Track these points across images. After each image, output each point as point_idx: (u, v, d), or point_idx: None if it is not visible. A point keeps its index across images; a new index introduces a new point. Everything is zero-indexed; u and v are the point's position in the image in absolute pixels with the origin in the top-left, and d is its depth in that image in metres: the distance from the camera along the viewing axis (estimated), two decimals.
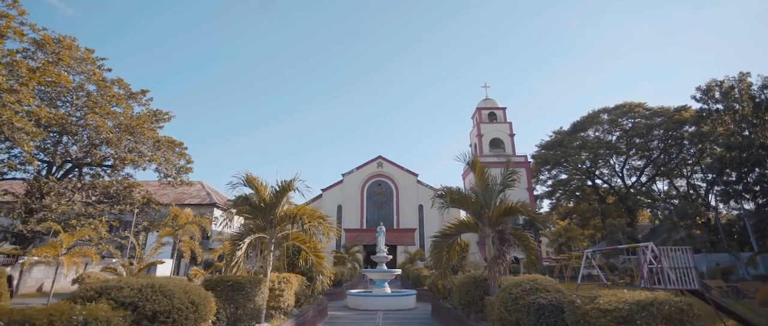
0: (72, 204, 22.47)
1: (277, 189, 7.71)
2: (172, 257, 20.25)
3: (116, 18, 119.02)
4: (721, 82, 28.32)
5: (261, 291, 6.56)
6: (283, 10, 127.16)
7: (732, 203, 29.87)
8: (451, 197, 7.80)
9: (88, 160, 25.10)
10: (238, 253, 6.63)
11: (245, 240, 6.93)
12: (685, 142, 38.66)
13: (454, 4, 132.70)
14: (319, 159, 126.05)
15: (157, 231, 18.63)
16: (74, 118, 24.06)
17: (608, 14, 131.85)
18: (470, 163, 8.02)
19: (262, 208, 7.69)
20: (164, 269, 16.56)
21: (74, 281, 14.05)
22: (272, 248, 7.65)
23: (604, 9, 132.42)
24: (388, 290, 16.08)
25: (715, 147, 30.70)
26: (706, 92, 28.95)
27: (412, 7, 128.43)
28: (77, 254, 10.47)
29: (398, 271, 18.52)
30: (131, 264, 12.75)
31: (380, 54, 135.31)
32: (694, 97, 29.96)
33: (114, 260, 13.73)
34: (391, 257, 18.31)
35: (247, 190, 8.20)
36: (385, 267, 17.02)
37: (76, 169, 25.84)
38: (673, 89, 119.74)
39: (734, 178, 27.73)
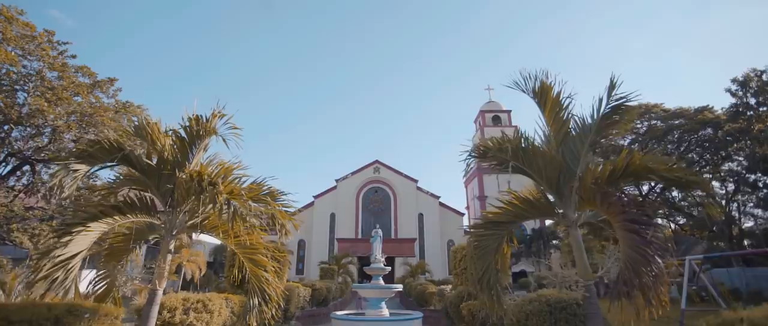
0: (12, 206, 19.29)
1: (183, 134, 4.12)
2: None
3: (116, 26, 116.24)
4: (761, 72, 25.16)
5: None
6: (281, 20, 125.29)
7: None
8: (513, 150, 4.08)
9: (43, 155, 21.91)
10: (62, 255, 3.02)
11: (93, 225, 3.35)
12: (706, 144, 35.58)
13: (454, 10, 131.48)
14: (315, 170, 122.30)
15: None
16: (27, 108, 20.80)
17: (611, 18, 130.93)
18: (536, 91, 4.41)
19: (153, 169, 4.08)
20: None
21: None
22: (171, 246, 4.06)
23: (606, 13, 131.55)
24: (386, 312, 12.25)
25: (757, 145, 27.46)
26: (744, 84, 25.70)
27: (412, 13, 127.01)
28: None
29: (399, 287, 14.65)
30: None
31: (378, 60, 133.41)
32: (728, 91, 26.63)
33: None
34: (389, 269, 14.60)
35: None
36: (381, 282, 13.22)
37: (28, 166, 22.58)
38: (676, 95, 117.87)
39: None
